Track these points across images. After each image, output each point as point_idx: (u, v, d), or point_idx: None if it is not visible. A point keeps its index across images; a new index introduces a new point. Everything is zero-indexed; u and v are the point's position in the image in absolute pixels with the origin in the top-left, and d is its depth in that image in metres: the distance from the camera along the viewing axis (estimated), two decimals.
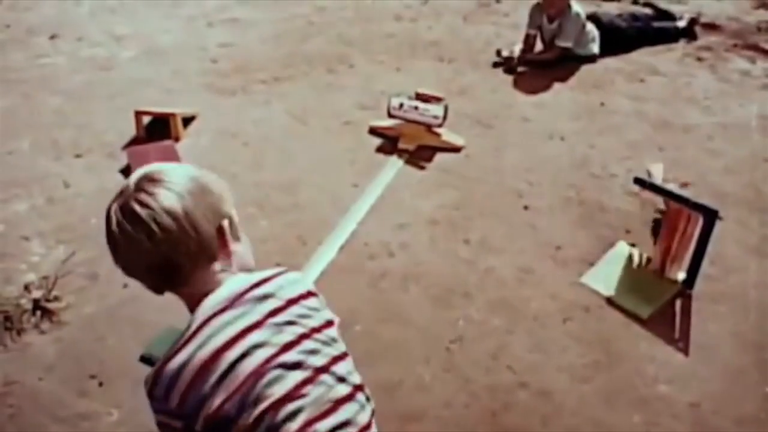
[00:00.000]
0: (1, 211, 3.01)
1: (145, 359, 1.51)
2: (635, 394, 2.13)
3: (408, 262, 2.69)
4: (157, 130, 3.53)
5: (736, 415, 2.06)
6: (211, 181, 1.05)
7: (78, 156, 3.41)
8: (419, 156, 3.36)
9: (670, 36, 4.47)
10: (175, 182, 0.99)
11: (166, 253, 0.97)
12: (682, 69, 4.15)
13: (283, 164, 3.33)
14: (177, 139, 3.48)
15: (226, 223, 1.05)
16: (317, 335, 1.04)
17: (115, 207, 0.98)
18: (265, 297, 1.02)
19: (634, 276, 2.57)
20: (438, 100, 3.46)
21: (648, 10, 4.74)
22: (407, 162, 3.32)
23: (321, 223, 2.90)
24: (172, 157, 3.28)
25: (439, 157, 3.36)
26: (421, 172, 3.26)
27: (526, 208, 2.97)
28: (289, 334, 1.01)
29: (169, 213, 0.96)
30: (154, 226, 0.95)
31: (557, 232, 2.82)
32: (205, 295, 1.01)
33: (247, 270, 1.10)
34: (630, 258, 2.65)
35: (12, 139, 3.56)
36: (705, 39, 4.49)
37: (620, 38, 4.33)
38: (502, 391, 2.15)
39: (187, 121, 3.65)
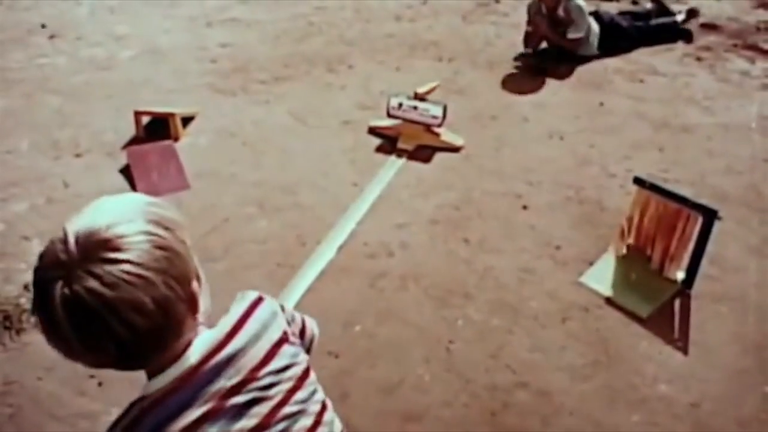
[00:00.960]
0: (1, 211, 3.01)
1: None
2: (635, 394, 2.13)
3: (407, 262, 2.69)
4: (157, 130, 3.53)
5: (736, 415, 2.06)
6: (175, 237, 0.83)
7: (77, 156, 3.41)
8: (418, 156, 3.36)
9: (670, 32, 4.47)
10: (136, 261, 0.77)
11: (127, 350, 0.79)
12: (682, 69, 4.15)
13: (283, 164, 3.33)
14: (176, 139, 3.48)
15: (195, 285, 0.86)
16: (286, 408, 0.92)
17: (59, 292, 0.75)
18: (228, 363, 0.88)
19: (633, 275, 2.57)
20: (432, 90, 3.46)
21: (650, 6, 4.73)
22: (407, 162, 3.32)
23: (320, 222, 2.90)
24: (172, 157, 3.28)
25: (439, 157, 3.36)
26: (421, 172, 3.26)
27: (525, 207, 2.97)
28: (250, 417, 0.88)
29: (137, 309, 0.76)
30: (118, 327, 0.76)
31: (557, 232, 2.82)
32: (168, 364, 0.86)
33: (208, 316, 0.94)
34: (629, 257, 2.65)
35: (11, 138, 3.56)
36: (705, 39, 4.49)
37: (620, 37, 4.33)
38: (502, 391, 2.14)
39: (187, 120, 3.65)
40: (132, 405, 0.86)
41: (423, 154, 3.38)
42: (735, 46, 4.39)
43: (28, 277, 2.61)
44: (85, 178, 3.21)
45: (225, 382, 0.87)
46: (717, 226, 2.40)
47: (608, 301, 2.47)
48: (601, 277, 2.57)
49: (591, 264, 2.64)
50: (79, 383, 2.19)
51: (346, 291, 2.53)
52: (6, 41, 4.69)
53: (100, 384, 2.19)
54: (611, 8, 4.74)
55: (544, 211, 2.95)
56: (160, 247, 0.80)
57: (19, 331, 2.39)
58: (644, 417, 2.06)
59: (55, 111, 3.83)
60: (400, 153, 3.38)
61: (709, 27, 4.61)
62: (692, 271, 2.46)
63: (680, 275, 2.51)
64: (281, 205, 3.02)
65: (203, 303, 0.90)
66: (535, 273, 2.62)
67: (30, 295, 2.49)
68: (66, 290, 0.74)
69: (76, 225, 0.80)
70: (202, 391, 0.86)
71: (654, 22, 4.50)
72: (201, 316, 0.90)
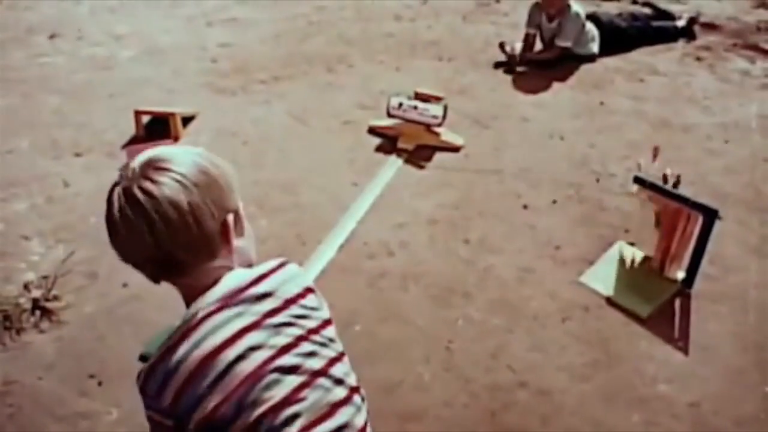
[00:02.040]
0: (1, 210, 3.01)
1: (145, 358, 1.51)
2: (635, 394, 2.13)
3: (407, 261, 2.69)
4: (157, 130, 3.53)
5: (736, 414, 2.06)
6: (219, 172, 1.00)
7: (78, 155, 3.41)
8: (418, 155, 3.36)
9: (670, 35, 4.48)
10: (182, 172, 0.94)
11: (166, 245, 0.93)
12: (682, 69, 4.15)
13: (283, 163, 3.33)
14: (176, 139, 3.48)
15: (230, 218, 1.01)
16: (314, 336, 1.02)
17: (118, 191, 0.94)
18: (263, 296, 1.00)
19: (633, 275, 2.57)
20: (438, 99, 3.46)
21: (647, 10, 4.74)
22: (406, 161, 3.32)
23: (320, 222, 2.90)
24: None
25: (439, 157, 3.36)
26: (421, 171, 3.26)
27: (525, 207, 2.97)
28: (286, 336, 0.99)
29: (173, 205, 0.92)
30: (156, 218, 0.91)
31: (557, 232, 2.82)
32: (204, 289, 0.98)
33: (248, 264, 1.07)
34: (629, 257, 2.65)
35: (11, 138, 3.56)
36: (704, 39, 4.49)
37: (620, 38, 4.33)
38: (502, 391, 2.14)
39: (187, 120, 3.65)
40: (178, 327, 0.97)
41: (423, 153, 3.38)
42: (735, 45, 4.39)
43: (28, 276, 2.61)
44: (85, 178, 3.21)
45: (265, 306, 0.99)
46: (717, 226, 2.40)
47: (608, 300, 2.47)
48: (601, 276, 2.57)
49: (591, 264, 2.64)
50: (79, 383, 2.19)
51: (346, 290, 2.53)
52: (6, 41, 4.69)
53: (100, 384, 2.19)
54: (611, 9, 4.74)
55: (544, 211, 2.95)
56: (204, 172, 0.96)
57: (19, 331, 2.39)
58: (644, 417, 2.06)
59: (56, 110, 3.83)
60: (400, 153, 3.38)
61: (709, 26, 4.61)
62: (692, 270, 2.46)
63: (680, 275, 2.51)
64: (281, 205, 3.02)
65: (240, 242, 1.04)
66: (535, 273, 2.62)
67: (30, 294, 2.50)
68: (123, 188, 0.93)
69: (143, 154, 0.98)
70: (244, 308, 0.98)
71: (655, 24, 4.50)
72: (237, 254, 1.03)
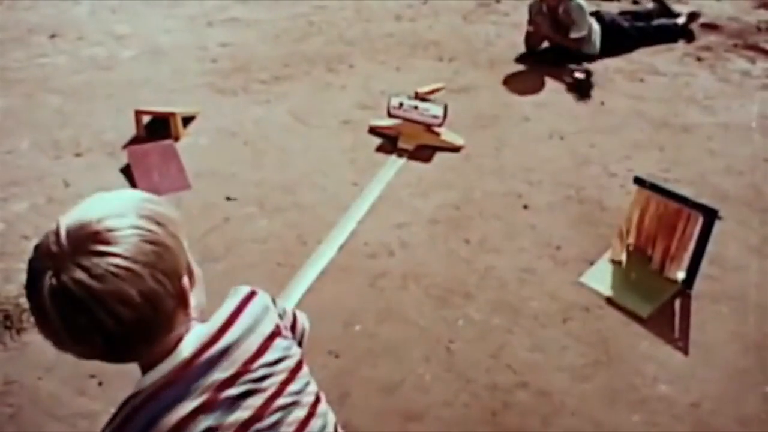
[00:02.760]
0: (1, 211, 3.01)
1: None
2: (635, 394, 2.13)
3: (408, 261, 2.69)
4: (157, 130, 3.53)
5: (737, 415, 2.06)
6: (167, 232, 0.83)
7: (78, 155, 3.41)
8: (419, 155, 3.36)
9: (671, 33, 4.47)
10: (125, 254, 0.77)
11: (114, 342, 0.80)
12: (682, 69, 4.14)
13: (283, 163, 3.33)
14: (177, 139, 3.48)
15: (186, 281, 0.87)
16: (279, 400, 0.92)
17: (48, 283, 0.76)
18: (221, 357, 0.89)
19: (633, 275, 2.57)
20: (437, 90, 3.44)
21: (651, 6, 4.73)
22: (407, 161, 3.32)
23: (321, 222, 2.90)
24: (172, 156, 3.28)
25: (439, 157, 3.36)
26: (421, 171, 3.26)
27: (525, 207, 2.97)
28: (245, 409, 0.89)
29: (124, 302, 0.77)
30: (105, 319, 0.77)
31: (557, 232, 2.82)
32: (162, 357, 0.87)
33: (202, 310, 0.94)
34: (629, 257, 2.65)
35: (12, 138, 3.56)
36: (705, 39, 4.49)
37: (621, 37, 4.32)
38: (502, 391, 2.14)
39: (187, 120, 3.65)
40: (126, 401, 0.87)
41: (423, 153, 3.38)
42: (735, 45, 4.39)
43: None
44: (85, 178, 3.21)
45: (219, 375, 0.88)
46: (717, 226, 2.40)
47: (609, 301, 2.47)
48: (602, 277, 2.57)
49: (591, 264, 2.64)
50: (79, 383, 2.19)
51: (347, 290, 2.53)
52: (6, 41, 4.69)
53: (100, 384, 2.19)
54: (612, 8, 4.74)
55: (544, 211, 2.95)
56: (150, 242, 0.80)
57: (19, 331, 2.39)
58: (644, 417, 2.06)
59: (56, 110, 3.83)
60: (400, 153, 3.38)
61: (710, 27, 4.61)
62: (692, 271, 2.46)
63: (680, 275, 2.51)
64: (281, 205, 3.02)
65: (195, 299, 0.91)
66: (535, 273, 2.62)
67: None
68: (54, 281, 0.76)
69: (69, 218, 0.80)
70: (195, 384, 0.87)
71: (655, 22, 4.50)
72: (194, 312, 0.90)
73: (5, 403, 2.14)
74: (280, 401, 0.92)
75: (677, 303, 2.46)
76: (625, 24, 4.38)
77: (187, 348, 0.88)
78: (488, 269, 2.64)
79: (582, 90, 3.87)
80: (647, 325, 2.37)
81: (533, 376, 2.19)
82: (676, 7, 4.73)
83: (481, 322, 2.41)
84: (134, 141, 3.50)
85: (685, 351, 2.28)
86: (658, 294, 2.48)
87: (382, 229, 2.86)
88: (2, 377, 2.23)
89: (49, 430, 2.06)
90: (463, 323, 2.40)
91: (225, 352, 0.89)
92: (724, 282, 2.54)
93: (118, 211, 0.81)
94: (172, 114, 3.52)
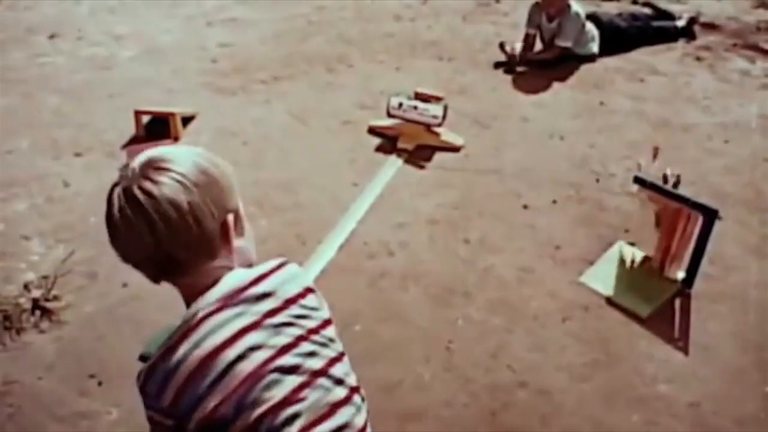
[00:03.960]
0: (1, 210, 3.01)
1: (145, 358, 1.50)
2: (634, 394, 2.13)
3: (407, 261, 2.69)
4: (157, 130, 3.53)
5: (736, 414, 2.06)
6: (219, 172, 1.00)
7: (77, 155, 3.41)
8: (418, 155, 3.36)
9: (670, 35, 4.48)
10: (182, 171, 0.94)
11: (166, 245, 0.93)
12: (682, 69, 4.15)
13: (283, 163, 3.33)
14: (176, 139, 3.48)
15: (231, 218, 1.01)
16: (314, 336, 1.02)
17: (118, 191, 0.94)
18: (263, 296, 1.00)
19: (633, 275, 2.57)
20: (438, 99, 3.46)
21: (647, 10, 4.74)
22: (406, 161, 3.32)
23: (320, 222, 2.90)
24: None
25: (439, 157, 3.36)
26: (421, 171, 3.26)
27: (525, 207, 2.97)
28: (286, 336, 0.99)
29: (173, 205, 0.92)
30: (156, 218, 0.91)
31: (557, 232, 2.82)
32: (204, 289, 0.98)
33: (248, 265, 1.07)
34: (629, 257, 2.65)
35: (11, 138, 3.56)
36: (704, 39, 4.49)
37: (620, 38, 4.33)
38: (502, 391, 2.14)
39: (187, 120, 3.65)
40: (178, 328, 0.96)
41: (423, 153, 3.38)
42: (735, 45, 4.39)
43: (28, 276, 2.61)
44: (85, 178, 3.20)
45: (264, 306, 0.99)
46: (717, 226, 2.40)
47: (608, 300, 2.47)
48: (601, 276, 2.57)
49: (591, 264, 2.64)
50: (79, 383, 2.19)
51: (346, 290, 2.53)
52: (6, 41, 4.69)
53: (100, 384, 2.19)
54: (611, 9, 4.74)
55: (544, 211, 2.95)
56: (204, 172, 0.97)
57: (19, 331, 2.39)
58: (644, 416, 2.06)
59: (55, 110, 3.83)
60: (400, 153, 3.38)
61: (709, 26, 4.61)
62: (692, 270, 2.46)
63: (680, 275, 2.51)
64: (281, 205, 3.02)
65: (240, 242, 1.04)
66: (535, 272, 2.62)
67: (30, 294, 2.50)
68: (123, 188, 0.93)
69: (143, 154, 0.97)
70: (244, 308, 0.97)
71: (655, 23, 4.50)
72: (237, 254, 1.03)
73: (5, 403, 2.14)
74: (316, 338, 1.03)
75: (677, 303, 2.46)
76: (624, 24, 4.39)
77: (229, 282, 0.99)
78: (488, 269, 2.64)
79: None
80: (647, 325, 2.37)
81: (533, 376, 2.19)
82: (676, 7, 4.73)
83: (481, 321, 2.41)
84: (134, 141, 3.50)
85: (684, 351, 2.28)
86: (657, 294, 2.48)
87: (382, 229, 2.86)
88: (2, 377, 2.22)
89: (49, 430, 2.06)
90: (463, 323, 2.40)
91: (266, 294, 1.00)
92: (723, 282, 2.54)
93: (185, 151, 0.99)
94: (172, 114, 3.52)
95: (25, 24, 4.94)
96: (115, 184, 0.95)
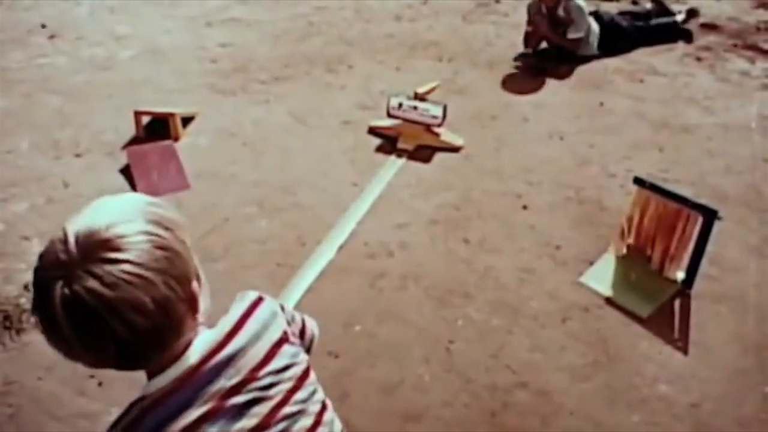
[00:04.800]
0: (1, 211, 3.01)
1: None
2: (635, 394, 2.13)
3: (407, 261, 2.69)
4: (157, 130, 3.53)
5: (736, 415, 2.06)
6: (174, 236, 0.82)
7: (77, 156, 3.41)
8: (418, 156, 3.36)
9: (670, 32, 4.47)
10: (137, 261, 0.76)
11: (127, 349, 0.79)
12: (682, 69, 4.14)
13: (283, 164, 3.33)
14: (176, 139, 3.48)
15: (195, 285, 0.86)
16: (286, 409, 0.92)
17: (57, 292, 0.74)
18: (228, 363, 0.88)
19: (633, 275, 2.57)
20: (433, 89, 3.45)
21: (650, 6, 4.73)
22: (407, 162, 3.32)
23: (320, 222, 2.90)
24: (172, 157, 3.28)
25: (439, 157, 3.36)
26: (421, 172, 3.26)
27: (525, 207, 2.97)
28: (250, 417, 0.88)
29: (137, 309, 0.76)
30: (118, 327, 0.75)
31: (556, 232, 2.82)
32: (168, 364, 0.86)
33: (208, 316, 0.93)
34: (629, 257, 2.65)
35: (11, 138, 3.56)
36: (704, 39, 4.49)
37: (621, 37, 4.32)
38: (502, 391, 2.15)
39: (187, 120, 3.65)
40: (132, 405, 0.86)
41: (423, 154, 3.38)
42: (735, 46, 4.39)
43: (28, 277, 2.60)
44: (85, 178, 3.21)
45: (225, 382, 0.87)
46: (717, 226, 2.40)
47: (608, 301, 2.47)
48: (601, 277, 2.57)
49: (591, 264, 2.64)
50: (79, 383, 2.19)
51: (346, 291, 2.53)
52: (6, 41, 4.69)
53: (100, 384, 2.19)
54: (611, 8, 4.74)
55: (544, 211, 2.95)
56: (161, 247, 0.79)
57: (19, 331, 2.39)
58: (644, 417, 2.06)
59: (55, 111, 3.83)
60: (400, 153, 3.38)
61: (709, 27, 4.61)
62: (692, 271, 2.46)
63: (680, 275, 2.51)
64: (281, 205, 3.02)
65: (203, 303, 0.90)
66: (535, 273, 2.62)
67: (30, 295, 2.50)
68: (66, 290, 0.74)
69: (76, 225, 0.79)
70: (202, 391, 0.86)
71: (654, 21, 4.50)
72: (201, 316, 0.90)
73: (5, 403, 2.14)
74: (287, 410, 0.92)
75: (677, 303, 2.46)
76: (624, 24, 4.38)
77: (194, 354, 0.87)
78: (488, 269, 2.64)
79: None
80: (647, 325, 2.37)
81: (533, 376, 2.19)
82: (675, 7, 4.73)
83: (481, 322, 2.41)
84: (134, 141, 3.51)
85: (684, 351, 2.28)
86: (657, 294, 2.48)
87: (382, 230, 2.86)
88: (2, 377, 2.23)
89: (49, 430, 2.06)
90: (463, 323, 2.40)
91: (232, 359, 0.89)
92: (723, 282, 2.54)
93: (126, 216, 0.80)
94: (172, 114, 3.52)
95: (26, 24, 4.94)
96: (49, 279, 0.76)
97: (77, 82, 4.14)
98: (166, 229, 0.82)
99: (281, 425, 0.91)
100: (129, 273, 0.75)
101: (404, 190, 3.11)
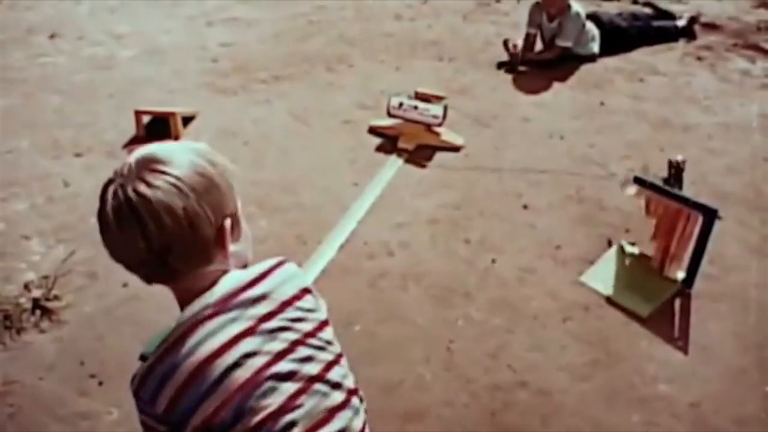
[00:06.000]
0: (1, 210, 3.01)
1: (146, 358, 1.50)
2: (635, 394, 2.13)
3: (408, 261, 2.69)
4: (157, 130, 3.53)
5: (736, 414, 2.06)
6: (218, 173, 0.95)
7: (78, 155, 3.41)
8: (419, 155, 3.36)
9: (670, 35, 4.47)
10: (178, 175, 0.90)
11: (159, 250, 0.90)
12: (682, 68, 4.14)
13: (283, 163, 3.33)
14: (177, 139, 3.48)
15: (228, 223, 0.97)
16: (311, 340, 1.01)
17: (111, 190, 0.90)
18: (259, 299, 0.98)
19: (633, 275, 2.57)
20: (438, 98, 3.46)
21: (648, 10, 4.74)
22: (407, 161, 3.32)
23: (321, 222, 2.90)
24: None
25: (439, 157, 3.36)
26: (421, 171, 3.26)
27: (525, 207, 2.97)
28: (281, 341, 0.97)
29: (168, 211, 0.88)
30: (150, 223, 0.88)
31: (557, 232, 2.82)
32: (198, 292, 0.96)
33: (244, 265, 1.05)
34: (630, 257, 2.65)
35: (12, 138, 3.56)
36: (705, 38, 4.49)
37: (621, 37, 4.33)
38: (502, 391, 2.15)
39: (187, 120, 3.65)
40: (170, 332, 0.95)
41: (423, 153, 3.38)
42: (735, 45, 4.39)
43: (28, 276, 2.61)
44: (85, 178, 3.21)
45: (259, 310, 0.97)
46: (717, 226, 2.40)
47: (608, 300, 2.47)
48: (602, 276, 2.57)
49: (591, 263, 2.64)
50: (79, 383, 2.19)
51: (347, 290, 2.53)
52: (7, 41, 4.70)
53: (100, 384, 2.19)
54: (611, 9, 4.74)
55: (544, 211, 2.95)
56: (202, 174, 0.93)
57: (19, 331, 2.39)
58: (644, 416, 2.06)
59: (56, 110, 3.83)
60: (400, 152, 3.38)
61: (710, 26, 4.61)
62: (692, 270, 2.46)
63: (680, 275, 2.51)
64: (281, 205, 3.02)
65: (236, 246, 1.01)
66: (535, 272, 2.62)
67: (30, 294, 2.51)
68: (118, 190, 0.89)
69: (141, 151, 0.94)
70: (238, 313, 0.96)
71: (655, 23, 4.50)
72: (233, 258, 1.00)
73: (5, 403, 2.14)
74: (312, 341, 1.01)
75: (677, 302, 2.46)
76: (624, 24, 4.38)
77: (226, 285, 0.97)
78: (488, 269, 2.64)
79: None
80: (647, 325, 2.37)
81: (533, 376, 2.19)
82: (676, 7, 4.73)
83: (481, 321, 2.41)
84: (134, 141, 3.50)
85: (684, 350, 2.28)
86: (658, 293, 2.48)
87: (382, 229, 2.86)
88: (2, 377, 2.23)
89: (49, 431, 2.06)
90: (463, 323, 2.40)
91: (262, 296, 0.99)
92: (724, 281, 2.54)
93: (184, 149, 0.96)
94: (172, 114, 3.52)
95: (26, 24, 4.94)
96: (109, 182, 0.91)
97: (78, 81, 4.14)
98: (213, 164, 0.96)
99: (307, 351, 1.00)
100: (169, 182, 0.89)
101: (405, 190, 3.11)
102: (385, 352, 2.28)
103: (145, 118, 3.58)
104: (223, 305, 0.95)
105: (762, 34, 4.50)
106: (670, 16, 4.61)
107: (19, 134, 3.59)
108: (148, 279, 0.97)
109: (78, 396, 2.15)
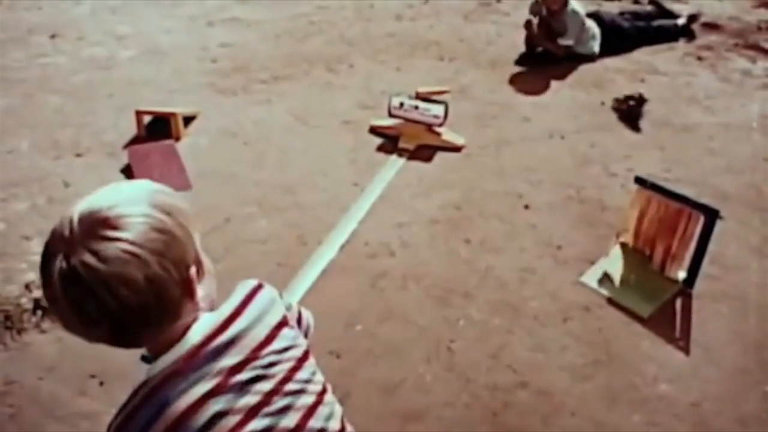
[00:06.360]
0: (2, 211, 3.01)
1: (146, 358, 1.50)
2: (635, 394, 2.13)
3: (408, 261, 2.69)
4: (158, 130, 3.53)
5: (737, 414, 2.06)
6: (176, 221, 0.85)
7: (78, 155, 3.41)
8: (419, 155, 3.36)
9: (671, 34, 4.47)
10: (132, 239, 0.79)
11: (120, 326, 0.82)
12: (683, 68, 4.14)
13: (284, 164, 3.33)
14: (177, 139, 3.48)
15: (193, 271, 0.88)
16: (288, 386, 0.94)
17: (56, 267, 0.78)
18: (229, 344, 0.91)
19: (634, 275, 2.57)
20: (441, 93, 3.45)
21: (650, 8, 4.73)
22: (408, 161, 3.32)
23: (321, 222, 2.90)
24: (173, 156, 3.28)
25: (440, 157, 3.36)
26: (422, 171, 3.26)
27: (526, 207, 2.97)
28: (254, 394, 0.90)
29: (128, 285, 0.79)
30: (109, 301, 0.78)
31: (557, 232, 2.82)
32: (170, 344, 0.89)
33: (211, 302, 0.96)
34: (630, 257, 2.65)
35: (12, 138, 3.56)
36: (706, 38, 4.49)
37: (622, 37, 4.32)
38: (503, 391, 2.14)
39: (188, 120, 3.65)
40: (137, 389, 0.89)
41: (424, 153, 3.37)
42: (736, 45, 4.39)
43: (29, 277, 2.61)
44: (85, 178, 3.21)
45: (228, 361, 0.90)
46: (718, 226, 2.40)
47: (609, 300, 2.47)
48: (602, 276, 2.57)
49: (592, 263, 2.64)
50: (79, 383, 2.19)
51: (347, 291, 2.53)
52: (6, 41, 4.70)
53: (101, 384, 2.19)
54: (612, 8, 4.74)
55: (545, 211, 2.95)
56: (158, 230, 0.82)
57: (19, 331, 2.39)
58: (645, 417, 2.06)
59: (56, 110, 3.83)
60: (401, 152, 3.38)
61: (710, 26, 4.60)
62: (693, 270, 2.46)
63: (681, 275, 2.51)
64: (282, 205, 3.02)
65: (204, 290, 0.92)
66: (536, 273, 2.62)
67: (31, 294, 2.50)
68: (64, 264, 0.78)
69: (82, 205, 0.83)
70: (205, 369, 0.88)
71: (655, 23, 4.50)
72: (203, 303, 0.92)
73: (5, 404, 2.14)
74: (289, 387, 0.94)
75: (678, 303, 2.46)
76: (625, 24, 4.38)
77: (195, 335, 0.90)
78: (489, 269, 2.64)
79: (631, 118, 3.62)
80: (648, 325, 2.37)
81: (533, 376, 2.19)
82: (677, 7, 4.73)
83: (482, 322, 2.41)
84: (135, 141, 3.50)
85: (685, 351, 2.28)
86: (658, 294, 2.48)
87: (383, 229, 2.86)
88: (2, 377, 2.22)
89: (49, 431, 2.06)
90: (464, 323, 2.40)
91: (233, 341, 0.91)
92: (724, 282, 2.54)
93: (130, 199, 0.84)
94: (173, 114, 3.52)
95: (26, 24, 4.94)
96: (52, 252, 0.80)
97: (78, 81, 4.14)
98: (167, 214, 0.84)
99: (284, 401, 0.93)
100: (123, 250, 0.78)
101: (405, 190, 3.11)
102: (385, 353, 2.28)
103: (146, 118, 3.58)
104: (194, 358, 0.88)
105: (762, 34, 4.50)
106: (673, 15, 4.60)
107: (19, 134, 3.59)
108: (116, 345, 0.88)
109: (78, 396, 2.15)
